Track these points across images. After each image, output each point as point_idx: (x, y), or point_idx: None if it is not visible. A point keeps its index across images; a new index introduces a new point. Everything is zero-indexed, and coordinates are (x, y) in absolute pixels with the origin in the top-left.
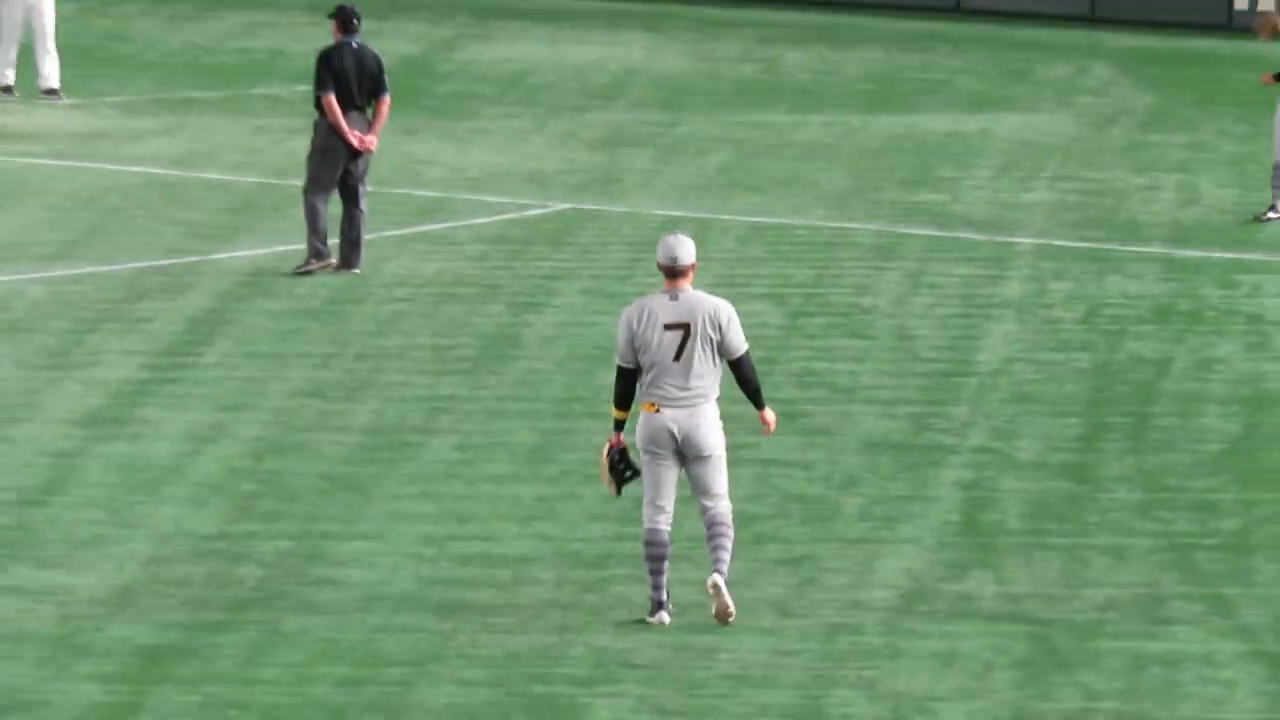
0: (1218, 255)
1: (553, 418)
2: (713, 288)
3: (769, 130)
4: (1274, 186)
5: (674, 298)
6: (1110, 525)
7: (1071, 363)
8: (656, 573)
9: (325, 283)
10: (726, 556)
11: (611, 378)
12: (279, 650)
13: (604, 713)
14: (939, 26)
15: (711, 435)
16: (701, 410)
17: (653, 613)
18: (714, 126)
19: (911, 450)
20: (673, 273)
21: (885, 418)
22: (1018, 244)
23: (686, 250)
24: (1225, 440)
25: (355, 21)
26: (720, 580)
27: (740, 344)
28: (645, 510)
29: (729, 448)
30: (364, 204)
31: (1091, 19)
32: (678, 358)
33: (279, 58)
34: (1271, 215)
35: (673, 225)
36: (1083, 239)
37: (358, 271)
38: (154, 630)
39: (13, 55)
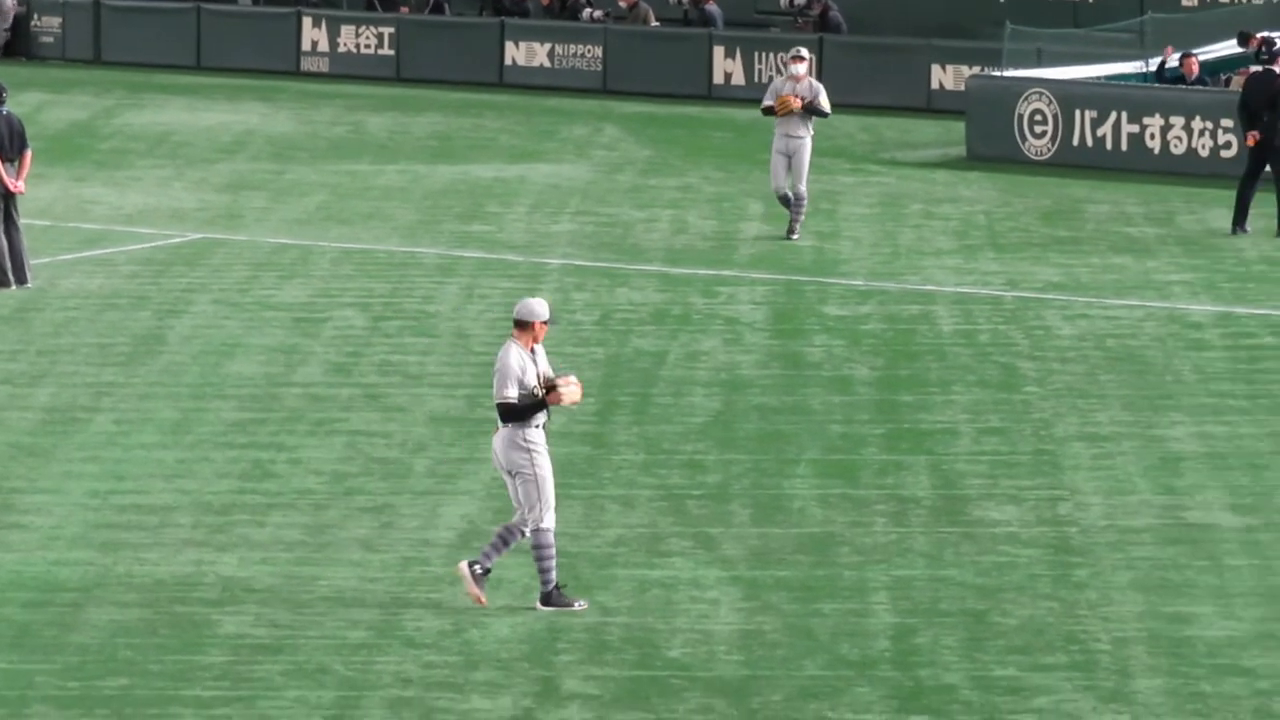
0: (702, 272)
1: (190, 399)
2: (311, 300)
3: (356, 177)
4: (786, 208)
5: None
6: (620, 480)
7: (590, 355)
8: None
9: (13, 296)
10: (490, 552)
11: (237, 368)
12: None
13: (230, 627)
14: (485, 97)
15: (508, 457)
16: (498, 435)
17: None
18: (314, 174)
19: (467, 423)
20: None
21: (447, 398)
22: (548, 264)
23: (526, 309)
24: (709, 414)
25: (3, 94)
26: (463, 566)
27: (495, 392)
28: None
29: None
30: (20, 231)
31: (603, 90)
32: None
33: None
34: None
35: (282, 251)
36: (598, 260)
37: (29, 285)
38: None
39: None
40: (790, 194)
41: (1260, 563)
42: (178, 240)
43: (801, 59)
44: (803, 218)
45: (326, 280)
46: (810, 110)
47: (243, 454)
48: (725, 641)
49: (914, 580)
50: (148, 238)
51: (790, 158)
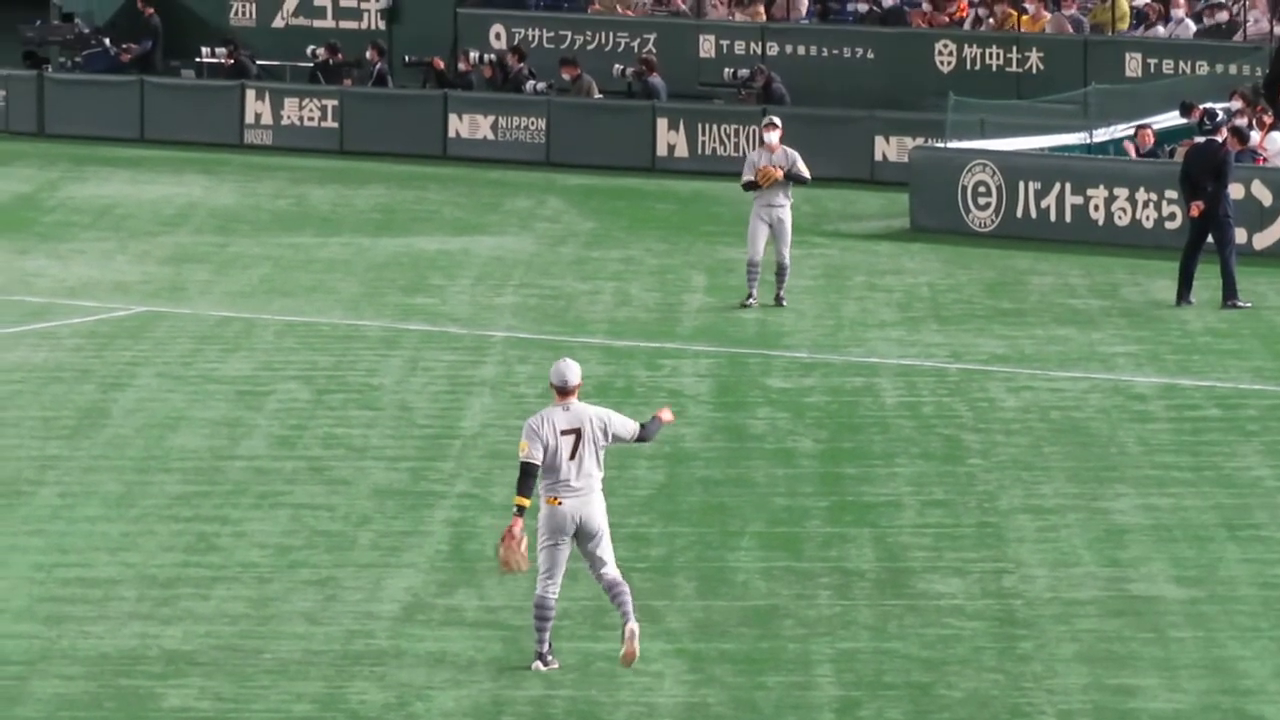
0: (645, 345)
1: (134, 472)
2: (255, 373)
3: (300, 249)
4: (749, 279)
5: (566, 409)
6: None
7: None
8: (542, 630)
9: None
10: (631, 608)
11: (181, 441)
12: None
13: (175, 700)
14: (429, 169)
15: (601, 518)
16: (594, 499)
17: (534, 661)
18: (257, 247)
19: (411, 495)
20: (564, 391)
21: (391, 470)
22: (492, 336)
23: (574, 373)
24: (653, 487)
25: None
26: (635, 627)
27: (629, 428)
28: (540, 581)
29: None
30: None
31: (546, 163)
32: (572, 457)
33: None
34: (750, 302)
35: (226, 324)
36: (542, 332)
37: None
38: None
39: None
40: (768, 261)
41: (1204, 635)
42: (121, 313)
43: (775, 127)
44: (786, 283)
45: (270, 353)
46: (791, 178)
47: (187, 527)
48: (670, 714)
49: (858, 653)
50: (91, 310)
51: (773, 227)
